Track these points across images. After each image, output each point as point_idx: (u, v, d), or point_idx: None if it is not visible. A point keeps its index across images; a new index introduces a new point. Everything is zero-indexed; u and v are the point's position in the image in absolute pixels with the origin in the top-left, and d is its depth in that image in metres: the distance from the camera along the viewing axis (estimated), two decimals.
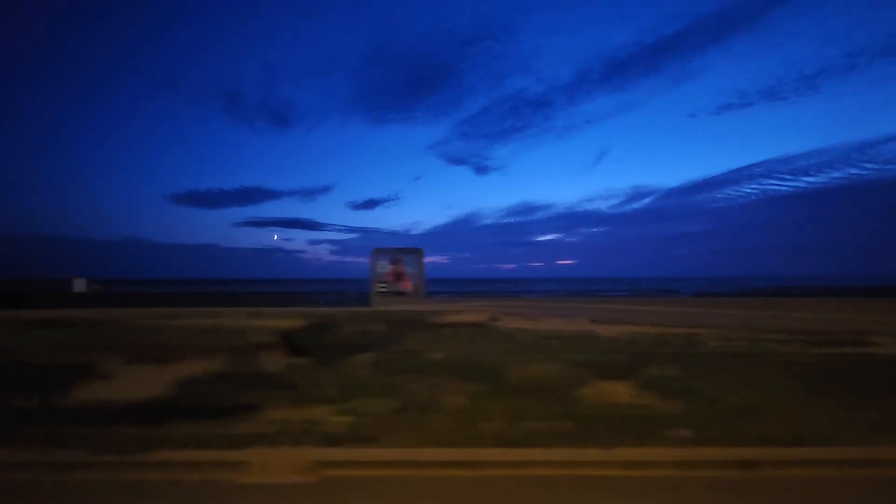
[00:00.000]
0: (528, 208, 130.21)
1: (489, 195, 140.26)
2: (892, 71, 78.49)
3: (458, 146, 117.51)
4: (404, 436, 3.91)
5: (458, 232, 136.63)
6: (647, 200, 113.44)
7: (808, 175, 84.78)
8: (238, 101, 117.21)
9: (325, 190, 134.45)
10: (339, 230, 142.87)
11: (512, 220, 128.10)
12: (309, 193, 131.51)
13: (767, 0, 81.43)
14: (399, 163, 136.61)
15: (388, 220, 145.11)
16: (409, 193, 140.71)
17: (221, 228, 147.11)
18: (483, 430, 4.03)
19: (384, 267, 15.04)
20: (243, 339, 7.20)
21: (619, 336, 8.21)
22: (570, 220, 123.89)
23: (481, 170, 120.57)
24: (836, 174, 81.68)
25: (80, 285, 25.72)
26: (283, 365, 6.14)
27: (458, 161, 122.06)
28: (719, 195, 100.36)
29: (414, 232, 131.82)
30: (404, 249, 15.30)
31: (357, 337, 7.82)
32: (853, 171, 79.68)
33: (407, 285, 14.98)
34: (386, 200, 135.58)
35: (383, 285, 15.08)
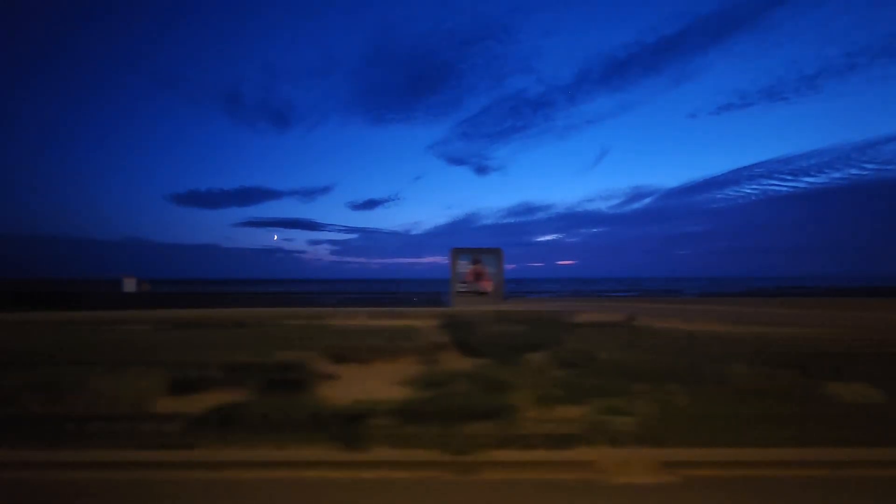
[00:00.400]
0: (528, 208, 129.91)
1: (489, 195, 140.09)
2: (893, 71, 78.22)
3: (459, 146, 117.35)
4: (699, 436, 3.87)
5: (459, 232, 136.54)
6: (647, 201, 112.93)
7: (809, 175, 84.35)
8: (238, 101, 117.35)
9: (325, 190, 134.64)
10: (339, 230, 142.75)
11: (512, 221, 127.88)
12: (309, 193, 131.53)
13: (768, 0, 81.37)
14: (399, 163, 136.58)
15: (388, 220, 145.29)
16: (409, 193, 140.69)
17: (221, 228, 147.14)
18: (767, 430, 3.98)
19: (464, 267, 15.00)
20: (410, 339, 7.18)
21: (763, 336, 8.15)
22: (570, 220, 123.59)
23: (481, 170, 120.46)
24: (837, 174, 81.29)
25: (130, 285, 25.76)
26: (471, 364, 6.11)
27: (458, 161, 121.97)
28: (719, 195, 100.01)
29: (414, 232, 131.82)
30: (484, 249, 15.26)
31: (508, 337, 7.79)
32: (853, 171, 79.37)
33: (487, 285, 14.93)
34: (386, 200, 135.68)
35: (463, 285, 15.04)
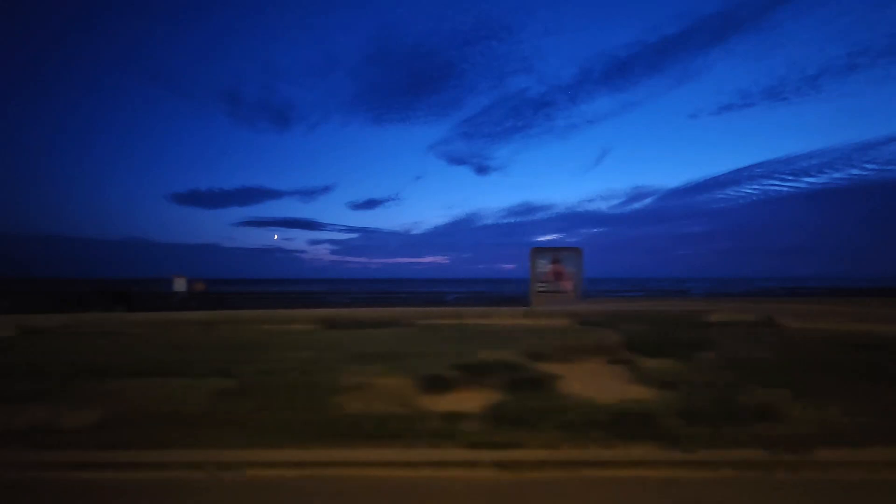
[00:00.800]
0: (529, 208, 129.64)
1: (490, 195, 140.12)
2: (894, 71, 77.64)
3: (459, 146, 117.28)
4: None
5: (459, 232, 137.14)
6: (647, 201, 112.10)
7: (810, 175, 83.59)
8: (238, 101, 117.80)
9: (326, 190, 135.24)
10: (340, 230, 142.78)
11: (512, 220, 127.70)
12: (309, 193, 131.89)
13: (769, 0, 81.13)
14: (399, 163, 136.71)
15: (388, 220, 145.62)
16: (409, 193, 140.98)
17: (221, 228, 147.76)
18: None
19: (544, 266, 15.06)
20: (582, 339, 7.23)
21: None
22: (571, 220, 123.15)
23: (482, 170, 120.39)
24: (838, 175, 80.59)
25: (180, 284, 25.90)
26: (662, 363, 6.15)
27: (458, 161, 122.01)
28: (720, 195, 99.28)
29: (414, 232, 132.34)
30: (563, 249, 15.33)
31: (659, 335, 7.81)
32: (854, 171, 78.68)
33: (567, 285, 14.98)
34: (386, 200, 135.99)
35: (543, 285, 15.10)
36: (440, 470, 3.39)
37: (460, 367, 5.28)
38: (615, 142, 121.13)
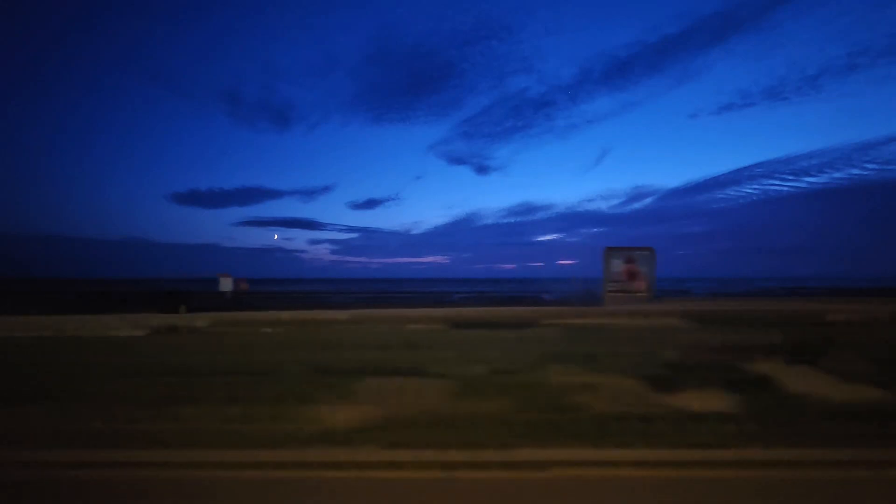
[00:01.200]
0: (529, 208, 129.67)
1: (489, 195, 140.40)
2: (895, 71, 77.57)
3: (459, 146, 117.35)
4: None
5: (459, 232, 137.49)
6: (647, 201, 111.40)
7: (810, 175, 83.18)
8: (238, 101, 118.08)
9: (326, 189, 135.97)
10: (340, 230, 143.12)
11: (512, 220, 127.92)
12: (309, 193, 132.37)
13: (770, 0, 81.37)
14: (399, 163, 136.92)
15: (388, 219, 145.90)
16: (409, 193, 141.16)
17: (222, 228, 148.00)
18: None
19: (618, 266, 15.03)
20: (718, 340, 7.19)
21: None
22: (571, 220, 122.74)
23: (482, 170, 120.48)
24: (838, 175, 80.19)
25: (226, 284, 25.81)
26: (837, 365, 6.10)
27: (458, 161, 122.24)
28: (720, 195, 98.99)
29: (414, 232, 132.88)
30: (637, 248, 15.30)
31: (795, 336, 7.76)
32: (855, 171, 78.32)
33: (640, 285, 14.94)
34: (386, 200, 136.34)
35: (615, 284, 15.07)
36: (749, 470, 3.35)
37: (666, 366, 5.26)
38: (615, 142, 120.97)
